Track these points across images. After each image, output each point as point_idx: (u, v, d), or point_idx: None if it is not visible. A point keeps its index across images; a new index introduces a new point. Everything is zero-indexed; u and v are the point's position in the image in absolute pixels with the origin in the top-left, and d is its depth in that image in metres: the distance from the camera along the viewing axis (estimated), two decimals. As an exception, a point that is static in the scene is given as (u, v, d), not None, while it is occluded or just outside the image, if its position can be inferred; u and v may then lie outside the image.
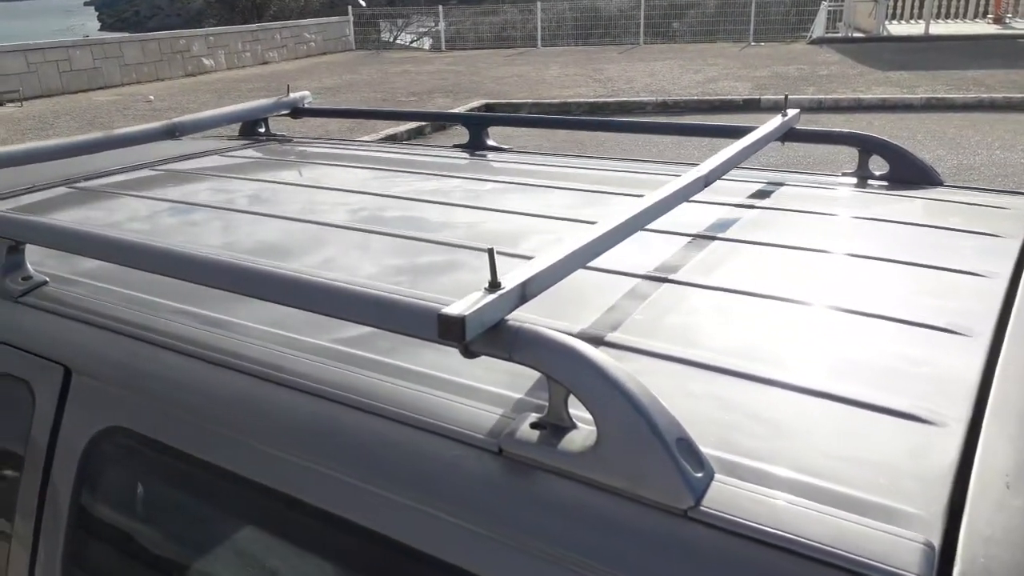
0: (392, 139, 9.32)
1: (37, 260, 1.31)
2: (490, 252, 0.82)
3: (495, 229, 1.52)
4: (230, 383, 0.99)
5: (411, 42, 25.15)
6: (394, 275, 1.28)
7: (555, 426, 0.80)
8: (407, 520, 0.80)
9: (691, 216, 1.48)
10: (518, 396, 0.88)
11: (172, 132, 2.29)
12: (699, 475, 0.71)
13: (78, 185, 2.00)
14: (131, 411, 1.05)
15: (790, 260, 1.29)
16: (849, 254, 1.30)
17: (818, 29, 19.82)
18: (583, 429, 0.79)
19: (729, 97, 12.12)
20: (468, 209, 1.66)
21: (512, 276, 0.86)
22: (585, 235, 1.03)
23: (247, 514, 0.98)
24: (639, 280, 1.21)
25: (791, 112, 1.78)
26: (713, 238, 1.39)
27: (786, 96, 1.84)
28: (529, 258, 0.94)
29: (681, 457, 0.71)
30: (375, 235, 1.50)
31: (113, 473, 1.09)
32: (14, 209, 1.79)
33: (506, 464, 0.79)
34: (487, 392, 0.90)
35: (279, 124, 2.74)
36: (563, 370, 0.76)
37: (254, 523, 0.98)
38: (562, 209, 1.62)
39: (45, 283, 1.27)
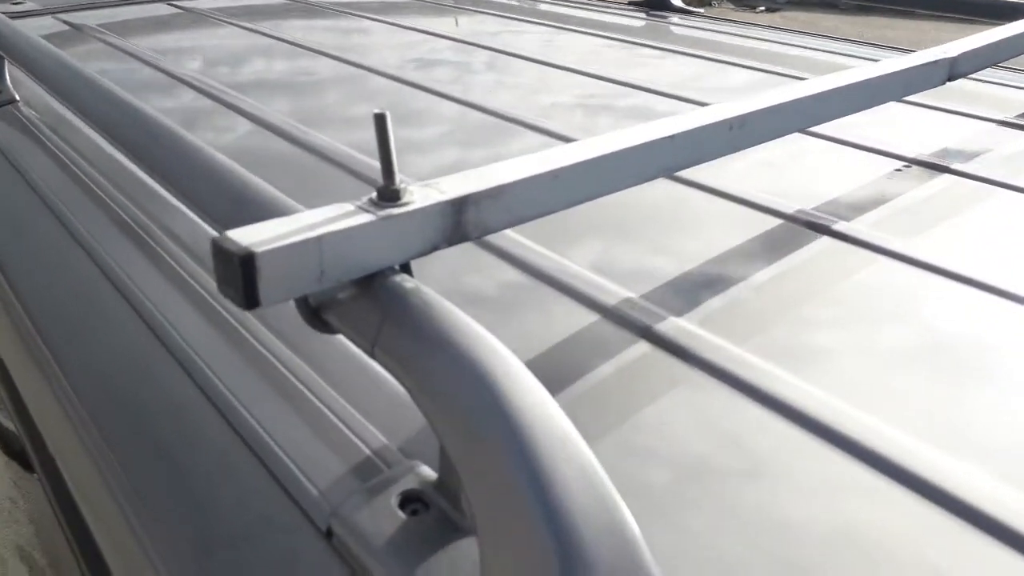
0: None
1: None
2: (378, 119, 0.41)
3: (549, 104, 1.21)
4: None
5: None
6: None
7: (440, 511, 0.42)
8: None
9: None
10: (416, 425, 0.50)
11: None
12: None
13: (61, 17, 1.82)
14: None
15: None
16: None
17: None
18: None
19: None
20: (556, 71, 1.38)
21: (448, 182, 0.47)
22: (646, 132, 0.62)
23: None
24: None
25: None
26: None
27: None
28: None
29: None
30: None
31: None
32: None
33: (332, 557, 0.43)
34: (370, 405, 0.52)
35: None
36: (445, 406, 0.36)
37: None
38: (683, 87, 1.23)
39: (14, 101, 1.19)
